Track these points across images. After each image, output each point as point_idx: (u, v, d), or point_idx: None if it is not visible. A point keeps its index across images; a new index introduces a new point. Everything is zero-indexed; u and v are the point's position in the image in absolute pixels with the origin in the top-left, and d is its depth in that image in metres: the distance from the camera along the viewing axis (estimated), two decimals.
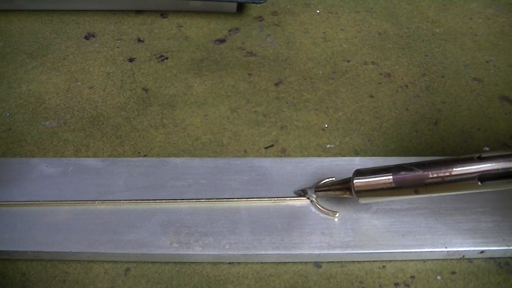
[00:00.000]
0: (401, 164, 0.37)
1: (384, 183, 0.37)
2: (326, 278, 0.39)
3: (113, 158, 0.46)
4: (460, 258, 0.40)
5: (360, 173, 0.38)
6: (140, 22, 0.61)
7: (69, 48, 0.58)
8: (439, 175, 0.34)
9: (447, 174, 0.34)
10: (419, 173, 0.35)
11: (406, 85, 0.54)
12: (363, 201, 0.39)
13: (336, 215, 0.41)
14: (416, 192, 0.36)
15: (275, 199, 0.42)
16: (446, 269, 0.39)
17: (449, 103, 0.52)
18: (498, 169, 0.33)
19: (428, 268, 0.39)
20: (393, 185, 0.36)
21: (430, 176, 0.35)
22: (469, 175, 0.34)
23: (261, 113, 0.51)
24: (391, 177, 0.36)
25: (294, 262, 0.39)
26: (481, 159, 0.33)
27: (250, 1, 0.59)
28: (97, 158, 0.45)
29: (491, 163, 0.33)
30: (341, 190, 0.40)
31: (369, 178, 0.38)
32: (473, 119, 0.50)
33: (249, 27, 0.61)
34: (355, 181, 0.38)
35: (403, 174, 0.36)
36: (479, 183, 0.33)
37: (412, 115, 0.51)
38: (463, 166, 0.34)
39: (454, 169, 0.34)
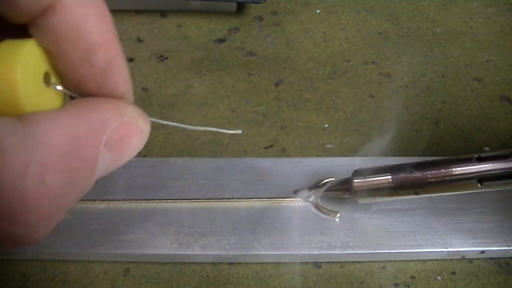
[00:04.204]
0: (400, 164, 0.37)
1: (383, 184, 0.37)
2: (326, 279, 0.39)
3: None
4: (460, 259, 0.39)
5: (359, 173, 0.38)
6: (140, 22, 0.61)
7: None
8: (438, 175, 0.34)
9: (446, 175, 0.34)
10: (418, 173, 0.35)
11: (406, 85, 0.54)
12: (362, 201, 0.39)
13: (337, 215, 0.40)
14: (416, 193, 0.36)
15: (275, 199, 0.42)
16: (446, 270, 0.39)
17: (449, 103, 0.52)
18: (497, 169, 0.33)
19: (428, 269, 0.39)
20: (392, 185, 0.36)
21: (429, 176, 0.35)
22: (468, 176, 0.34)
23: (261, 113, 0.51)
24: (390, 177, 0.36)
25: (294, 263, 0.39)
26: (480, 160, 0.33)
27: (250, 1, 0.59)
28: None
29: (490, 163, 0.33)
30: (340, 190, 0.40)
31: (368, 178, 0.38)
32: (473, 119, 0.50)
33: (249, 27, 0.61)
34: (354, 181, 0.38)
35: (402, 175, 0.36)
36: (479, 184, 0.33)
37: (412, 115, 0.51)
38: (462, 167, 0.34)
39: (453, 170, 0.34)
